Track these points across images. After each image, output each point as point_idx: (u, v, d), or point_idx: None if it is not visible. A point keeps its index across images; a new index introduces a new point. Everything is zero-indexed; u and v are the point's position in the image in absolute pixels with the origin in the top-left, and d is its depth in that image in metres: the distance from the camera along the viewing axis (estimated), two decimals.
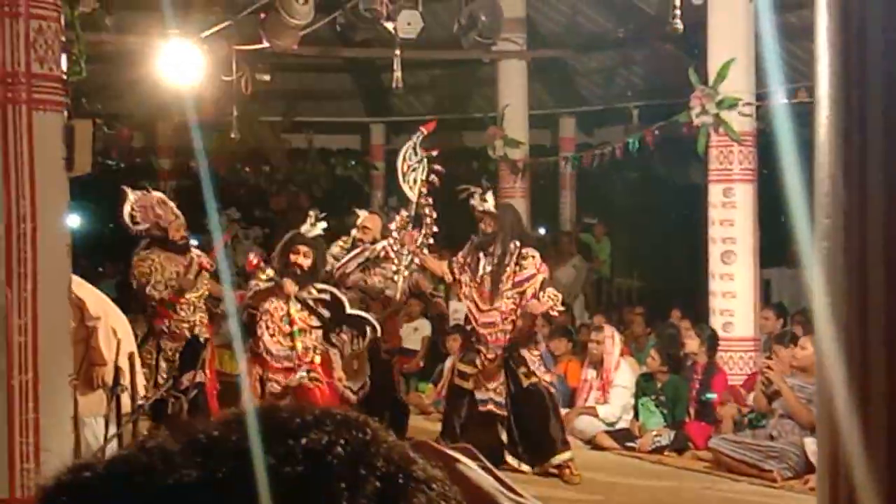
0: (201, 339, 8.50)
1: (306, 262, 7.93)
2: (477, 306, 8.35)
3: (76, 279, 5.25)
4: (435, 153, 8.98)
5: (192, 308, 8.53)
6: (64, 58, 4.81)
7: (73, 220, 21.52)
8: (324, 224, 8.25)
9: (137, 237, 8.68)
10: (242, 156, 15.23)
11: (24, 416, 4.55)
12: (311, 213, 8.39)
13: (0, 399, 4.55)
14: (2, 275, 4.56)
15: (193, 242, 8.88)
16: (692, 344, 9.56)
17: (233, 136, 11.38)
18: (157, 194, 8.91)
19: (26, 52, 4.59)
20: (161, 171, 16.06)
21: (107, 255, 17.52)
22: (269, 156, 15.82)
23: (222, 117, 12.32)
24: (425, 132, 8.96)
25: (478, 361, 8.31)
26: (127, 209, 8.60)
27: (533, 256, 8.35)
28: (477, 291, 8.33)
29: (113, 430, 5.99)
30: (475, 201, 8.40)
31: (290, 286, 7.83)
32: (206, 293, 8.70)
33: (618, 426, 9.64)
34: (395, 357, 10.42)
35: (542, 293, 8.21)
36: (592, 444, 9.52)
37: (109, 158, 14.95)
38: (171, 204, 8.74)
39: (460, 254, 8.57)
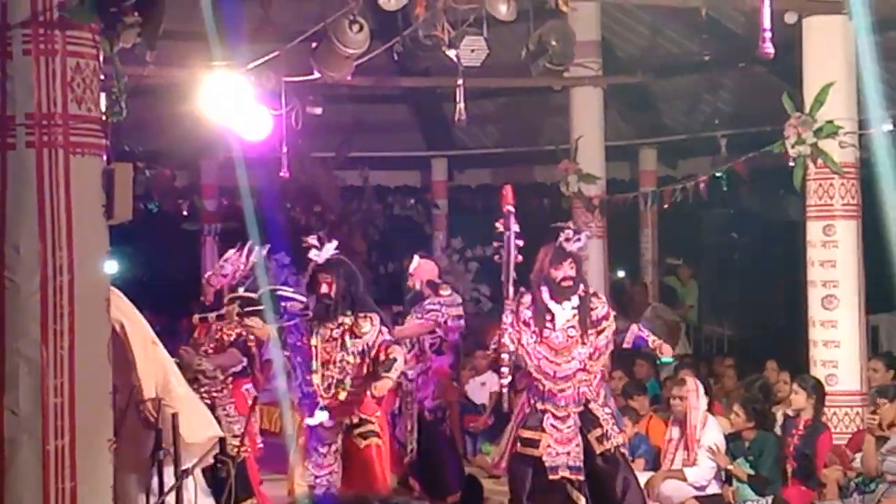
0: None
1: (327, 290, 8.09)
2: (548, 360, 8.28)
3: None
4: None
5: None
6: (103, 97, 4.91)
7: (110, 266, 21.86)
8: (334, 243, 8.40)
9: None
10: (292, 195, 15.36)
11: (59, 485, 4.61)
12: (311, 243, 8.52)
13: (34, 466, 4.61)
14: (37, 332, 4.65)
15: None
16: (798, 399, 9.41)
17: (282, 174, 11.49)
18: None
19: (63, 92, 4.70)
20: (205, 213, 16.27)
21: (144, 305, 17.72)
22: (321, 194, 15.93)
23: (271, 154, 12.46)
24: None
25: (546, 424, 8.22)
26: None
27: (600, 297, 8.41)
28: (546, 345, 8.25)
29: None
30: (562, 239, 8.35)
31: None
32: None
33: (708, 490, 9.53)
34: (448, 416, 10.43)
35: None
36: None
37: (150, 200, 15.18)
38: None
39: (521, 308, 8.47)
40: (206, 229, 16.38)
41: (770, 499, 9.16)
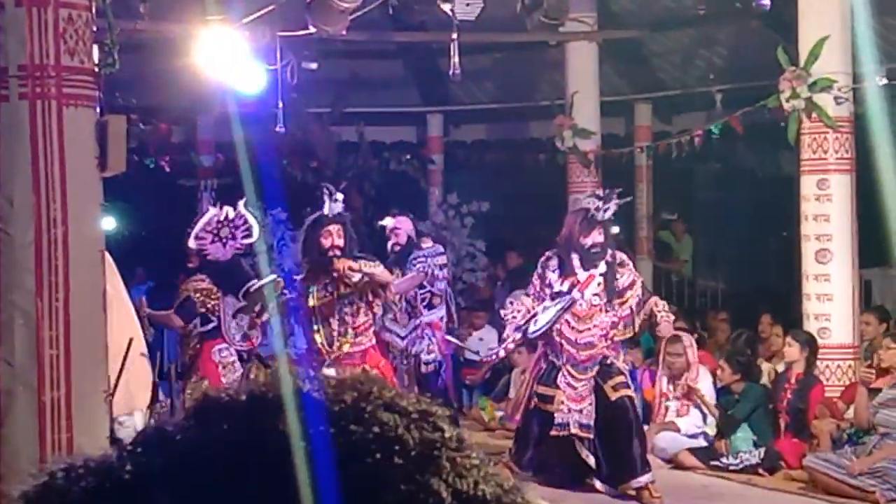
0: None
1: (341, 242, 7.95)
2: (570, 325, 8.23)
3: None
4: None
5: None
6: (96, 49, 4.87)
7: (107, 222, 21.82)
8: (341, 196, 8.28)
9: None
10: (288, 150, 15.31)
11: (56, 435, 4.62)
12: (327, 188, 8.41)
13: (31, 417, 4.62)
14: (31, 283, 4.64)
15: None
16: (791, 351, 9.45)
17: (278, 129, 11.45)
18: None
19: (55, 44, 4.66)
20: (202, 169, 16.21)
21: (141, 259, 17.73)
22: (317, 150, 15.88)
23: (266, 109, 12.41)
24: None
25: (561, 381, 8.22)
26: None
27: (628, 263, 8.36)
28: (570, 311, 8.20)
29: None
30: (593, 208, 8.29)
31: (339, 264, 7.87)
32: None
33: (700, 439, 9.58)
34: (444, 370, 10.47)
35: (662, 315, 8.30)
36: (674, 462, 9.46)
37: (146, 156, 15.11)
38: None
39: (547, 272, 8.45)
40: (203, 185, 16.32)
41: (762, 450, 9.21)
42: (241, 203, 8.86)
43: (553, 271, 8.37)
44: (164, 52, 11.70)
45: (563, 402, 8.17)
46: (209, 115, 14.99)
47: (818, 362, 9.62)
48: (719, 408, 9.59)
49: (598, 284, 8.19)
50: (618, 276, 8.26)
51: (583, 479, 8.25)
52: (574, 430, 8.17)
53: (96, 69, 4.84)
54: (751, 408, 9.39)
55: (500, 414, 11.38)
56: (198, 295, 8.53)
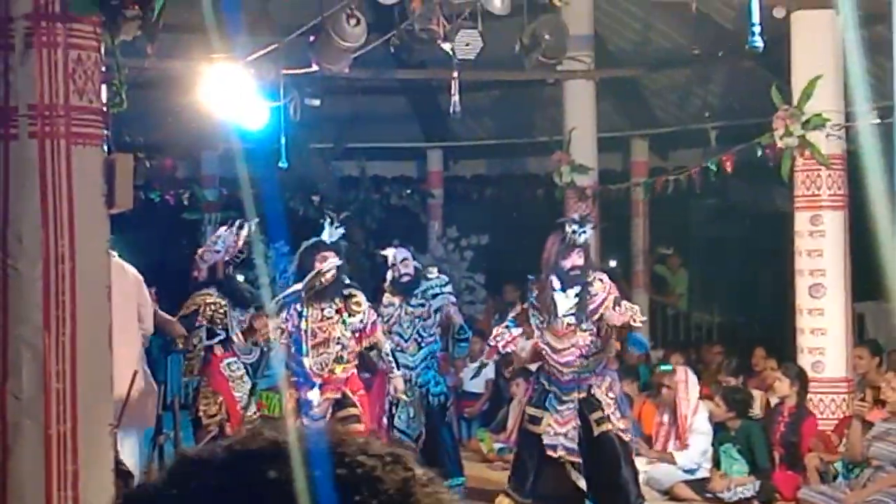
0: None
1: (334, 269, 8.01)
2: (552, 347, 8.31)
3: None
4: None
5: None
6: (104, 88, 4.91)
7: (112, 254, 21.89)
8: (341, 229, 8.37)
9: (185, 274, 9.11)
10: (291, 185, 15.35)
11: (62, 468, 4.61)
12: (329, 215, 8.48)
13: (37, 450, 4.62)
14: (39, 318, 4.65)
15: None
16: (782, 386, 9.47)
17: (280, 164, 11.48)
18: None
19: (65, 84, 4.69)
20: (205, 203, 16.26)
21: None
22: (319, 184, 15.93)
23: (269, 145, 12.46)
24: None
25: (548, 403, 8.29)
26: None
27: (600, 280, 8.38)
28: (551, 331, 8.30)
29: None
30: (569, 231, 8.33)
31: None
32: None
33: (697, 474, 9.56)
34: (451, 402, 10.46)
35: (617, 307, 8.25)
36: (670, 494, 9.44)
37: (151, 190, 15.16)
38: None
39: (533, 296, 8.52)
40: (207, 218, 16.36)
41: (758, 483, 9.19)
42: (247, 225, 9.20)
43: (535, 296, 8.45)
44: (169, 89, 11.76)
45: (549, 425, 8.23)
46: (213, 151, 15.04)
47: (812, 396, 9.61)
48: (715, 443, 9.58)
49: (574, 305, 8.24)
50: (592, 293, 8.28)
51: None
52: (561, 453, 8.20)
53: (104, 108, 4.87)
54: (747, 444, 9.38)
55: (498, 446, 11.35)
56: (207, 308, 8.57)
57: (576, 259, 8.26)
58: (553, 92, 13.93)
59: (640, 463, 9.59)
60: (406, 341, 9.99)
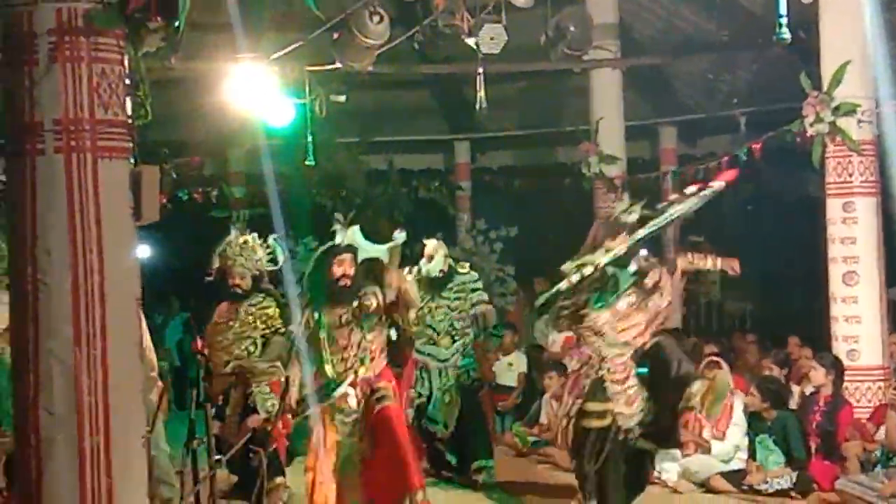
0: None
1: (351, 271, 7.71)
2: (610, 327, 7.96)
3: None
4: None
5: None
6: (129, 101, 4.93)
7: (142, 251, 21.96)
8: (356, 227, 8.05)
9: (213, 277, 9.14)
10: (318, 180, 15.39)
11: (96, 481, 4.65)
12: (338, 218, 8.23)
13: (70, 463, 4.65)
14: (69, 333, 4.68)
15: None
16: (817, 375, 9.42)
17: (307, 162, 11.50)
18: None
19: (90, 98, 4.71)
20: (233, 200, 16.32)
21: (174, 291, 17.80)
22: (346, 179, 15.96)
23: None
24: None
25: (610, 391, 8.07)
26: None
27: (651, 261, 8.11)
28: (609, 311, 7.90)
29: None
30: (621, 211, 8.10)
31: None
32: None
33: (732, 465, 9.52)
34: (485, 391, 10.47)
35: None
36: (706, 487, 9.42)
37: (180, 189, 15.24)
38: (249, 244, 9.10)
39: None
40: (235, 216, 16.44)
41: (795, 474, 9.15)
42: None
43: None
44: (195, 88, 11.80)
45: (619, 413, 7.82)
46: (240, 149, 15.09)
47: (847, 384, 9.56)
48: (750, 434, 9.54)
49: (632, 284, 7.85)
50: (647, 273, 7.92)
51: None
52: (635, 433, 7.84)
53: (129, 121, 4.90)
54: (783, 435, 9.33)
55: (532, 439, 11.36)
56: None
57: (622, 240, 7.89)
58: (579, 81, 13.88)
59: (676, 454, 9.59)
60: (439, 335, 10.01)
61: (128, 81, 4.91)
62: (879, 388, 9.65)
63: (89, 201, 4.70)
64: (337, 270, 7.70)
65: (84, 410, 4.66)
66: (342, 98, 12.10)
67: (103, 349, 4.69)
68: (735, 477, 9.40)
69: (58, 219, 4.71)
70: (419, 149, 17.27)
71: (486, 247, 16.45)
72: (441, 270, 10.03)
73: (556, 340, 12.16)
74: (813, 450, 9.35)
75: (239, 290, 9.02)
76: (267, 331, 8.94)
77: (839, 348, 9.77)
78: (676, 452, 9.35)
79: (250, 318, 9.00)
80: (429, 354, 10.07)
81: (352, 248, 7.84)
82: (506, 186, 17.06)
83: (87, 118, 4.71)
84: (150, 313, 16.89)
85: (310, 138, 11.66)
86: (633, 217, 8.10)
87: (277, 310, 8.95)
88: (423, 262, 10.03)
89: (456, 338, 10.06)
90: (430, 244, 10.20)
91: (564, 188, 15.25)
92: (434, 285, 9.97)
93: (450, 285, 10.08)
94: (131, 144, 4.86)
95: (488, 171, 17.50)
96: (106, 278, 4.73)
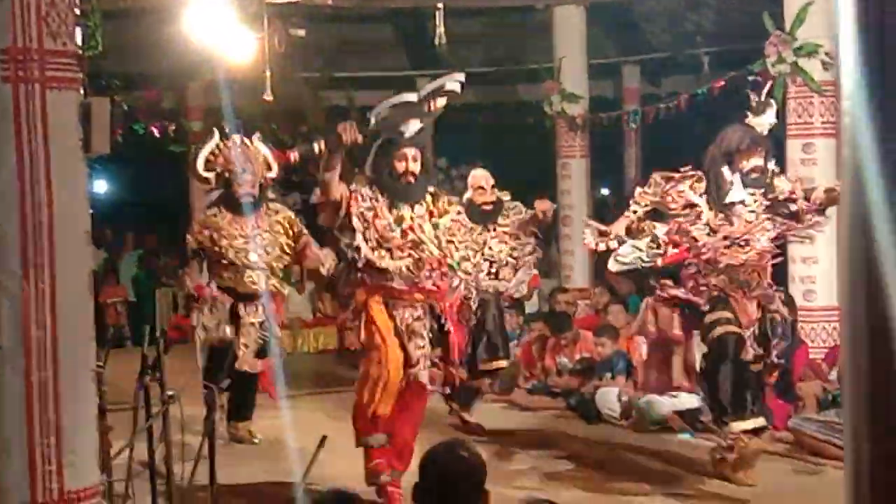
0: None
1: (416, 168, 6.95)
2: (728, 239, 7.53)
3: None
4: None
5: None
6: (78, 31, 4.87)
7: (99, 185, 21.85)
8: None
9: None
10: (278, 116, 15.29)
11: (44, 416, 4.66)
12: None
13: (18, 399, 4.66)
14: (18, 266, 4.66)
15: None
16: None
17: (266, 97, 11.43)
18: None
19: (38, 27, 4.65)
20: (191, 135, 16.19)
21: (130, 226, 17.71)
22: (307, 115, 15.86)
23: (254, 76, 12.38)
24: None
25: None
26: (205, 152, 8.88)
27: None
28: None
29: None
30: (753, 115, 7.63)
31: None
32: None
33: (688, 403, 9.62)
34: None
35: None
36: (662, 425, 9.52)
37: (136, 122, 15.09)
38: (256, 149, 8.94)
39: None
40: (193, 150, 16.30)
41: None
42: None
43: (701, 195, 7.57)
44: (154, 21, 11.68)
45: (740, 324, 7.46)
46: (199, 82, 14.95)
47: (803, 325, 9.67)
48: None
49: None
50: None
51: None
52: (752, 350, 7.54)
53: (79, 51, 4.85)
54: None
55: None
56: None
57: (757, 159, 7.52)
58: (543, 18, 13.83)
59: (630, 390, 9.73)
60: (501, 267, 9.50)
61: (78, 11, 4.86)
62: (835, 329, 9.76)
63: (38, 133, 4.66)
64: (399, 166, 6.93)
65: (32, 344, 4.66)
66: (302, 32, 12.02)
67: (52, 283, 4.68)
68: (692, 415, 9.50)
69: (5, 151, 4.67)
70: (380, 85, 17.14)
71: (448, 185, 16.43)
72: (490, 202, 9.35)
73: None
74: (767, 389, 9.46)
75: (251, 199, 8.68)
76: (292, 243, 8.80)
77: (796, 289, 9.87)
78: None
79: (278, 226, 8.83)
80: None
81: (421, 141, 7.06)
82: (468, 124, 17.00)
83: (35, 48, 4.66)
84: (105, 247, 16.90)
85: (268, 73, 11.59)
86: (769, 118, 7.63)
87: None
88: (469, 192, 9.42)
89: (518, 266, 9.54)
90: (479, 174, 9.59)
91: (527, 127, 15.23)
92: (484, 219, 9.35)
93: (503, 213, 9.45)
94: (81, 75, 4.82)
95: (451, 109, 17.40)
96: (55, 211, 4.71)
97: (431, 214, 7.05)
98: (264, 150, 9.04)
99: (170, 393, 6.14)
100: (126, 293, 16.12)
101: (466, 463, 3.50)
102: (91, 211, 4.97)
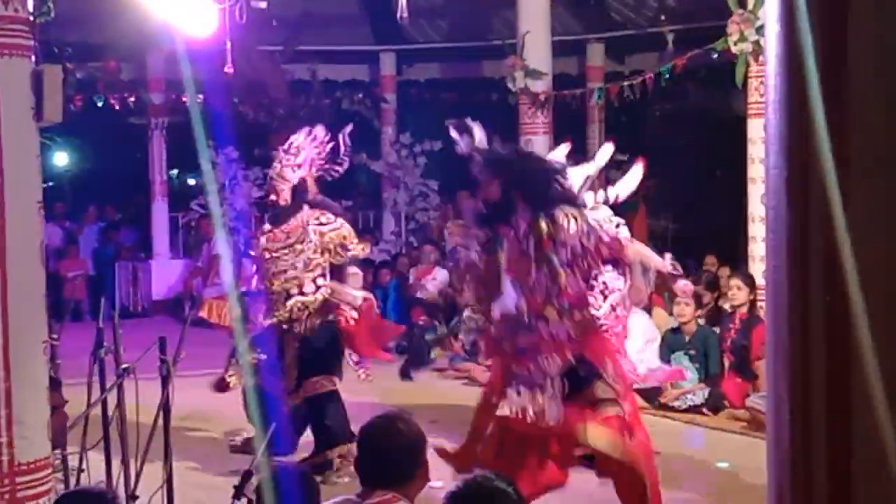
0: None
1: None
2: None
3: None
4: None
5: None
6: None
7: (60, 158, 21.67)
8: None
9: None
10: (239, 89, 15.21)
11: None
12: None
13: None
14: None
15: None
16: (741, 295, 9.51)
17: (227, 69, 11.35)
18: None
19: None
20: (152, 107, 16.09)
21: (91, 198, 17.58)
22: (269, 88, 15.78)
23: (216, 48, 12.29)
24: None
25: None
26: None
27: None
28: None
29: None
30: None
31: None
32: None
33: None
34: None
35: None
36: None
37: (95, 93, 14.97)
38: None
39: None
40: (153, 123, 16.21)
41: (707, 391, 9.34)
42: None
43: None
44: None
45: None
46: (159, 53, 14.84)
47: (762, 303, 9.73)
48: (664, 348, 9.70)
49: None
50: None
51: None
52: None
53: (31, 18, 4.79)
54: (703, 350, 9.53)
55: (450, 353, 11.47)
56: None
57: None
58: None
59: None
60: None
61: None
62: None
63: None
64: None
65: None
66: (263, 4, 11.93)
67: (2, 251, 4.64)
68: (650, 394, 9.56)
69: None
70: (344, 59, 17.11)
71: (411, 161, 16.43)
72: None
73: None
74: (727, 367, 9.54)
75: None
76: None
77: (755, 268, 9.92)
78: None
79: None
80: None
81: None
82: (431, 100, 16.99)
83: None
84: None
85: (229, 45, 11.50)
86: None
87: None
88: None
89: None
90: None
91: (490, 103, 15.22)
92: None
93: None
94: (32, 42, 4.76)
95: (414, 84, 17.41)
96: (6, 179, 4.66)
97: None
98: None
99: (125, 366, 6.12)
100: (86, 266, 16.04)
101: (404, 435, 3.53)
102: (52, 183, 4.92)
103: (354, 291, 7.97)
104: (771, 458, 2.16)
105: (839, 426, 2.01)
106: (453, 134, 6.08)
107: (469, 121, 6.20)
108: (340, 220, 7.84)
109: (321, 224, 7.69)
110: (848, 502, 2.00)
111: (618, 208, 7.45)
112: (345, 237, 7.72)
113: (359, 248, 7.87)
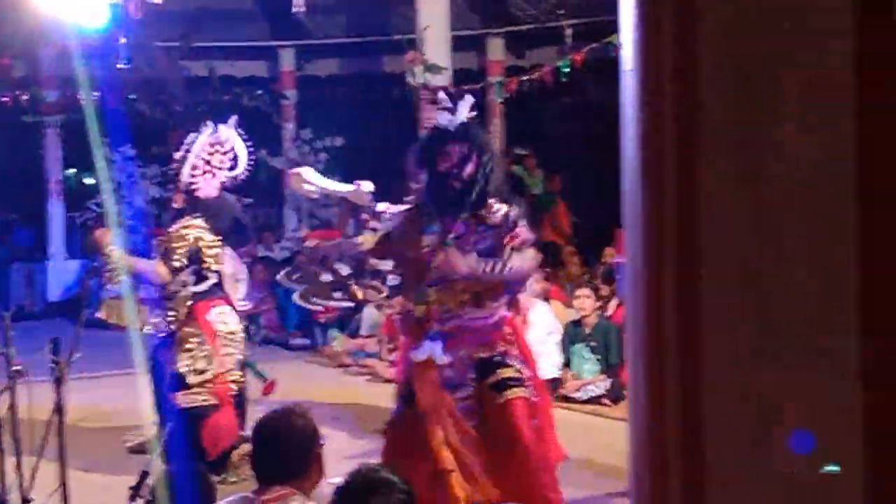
0: None
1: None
2: None
3: None
4: None
5: None
6: None
7: None
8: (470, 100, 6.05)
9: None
10: (135, 86, 15.02)
11: None
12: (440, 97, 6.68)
13: None
14: None
15: None
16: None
17: (121, 65, 11.22)
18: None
19: None
20: (45, 105, 15.83)
21: None
22: (166, 85, 15.60)
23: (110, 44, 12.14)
24: None
25: None
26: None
27: None
28: None
29: None
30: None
31: None
32: None
33: (547, 373, 9.74)
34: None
35: None
36: None
37: None
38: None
39: None
40: (47, 121, 15.94)
41: (609, 382, 9.44)
42: (231, 121, 7.72)
43: None
44: None
45: None
46: (52, 49, 14.58)
47: None
48: (565, 340, 9.79)
49: None
50: None
51: None
52: None
53: None
54: (604, 342, 9.64)
55: (353, 349, 11.47)
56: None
57: None
58: None
59: None
60: None
61: None
62: None
63: None
64: (448, 160, 5.69)
65: None
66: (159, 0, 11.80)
67: None
68: (551, 386, 9.63)
69: None
70: (242, 55, 16.98)
71: (312, 157, 16.36)
72: None
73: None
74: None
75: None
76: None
77: None
78: None
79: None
80: None
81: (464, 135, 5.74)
82: (331, 96, 16.94)
83: None
84: None
85: (123, 40, 11.38)
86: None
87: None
88: None
89: None
90: None
91: (391, 98, 15.23)
92: None
93: None
94: None
95: (314, 80, 17.34)
96: None
97: None
98: None
99: (16, 368, 6.01)
100: None
101: (299, 429, 3.55)
102: None
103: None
104: (632, 444, 2.23)
105: (691, 408, 2.08)
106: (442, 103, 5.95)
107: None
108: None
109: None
110: (700, 480, 2.08)
111: (535, 205, 7.58)
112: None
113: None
